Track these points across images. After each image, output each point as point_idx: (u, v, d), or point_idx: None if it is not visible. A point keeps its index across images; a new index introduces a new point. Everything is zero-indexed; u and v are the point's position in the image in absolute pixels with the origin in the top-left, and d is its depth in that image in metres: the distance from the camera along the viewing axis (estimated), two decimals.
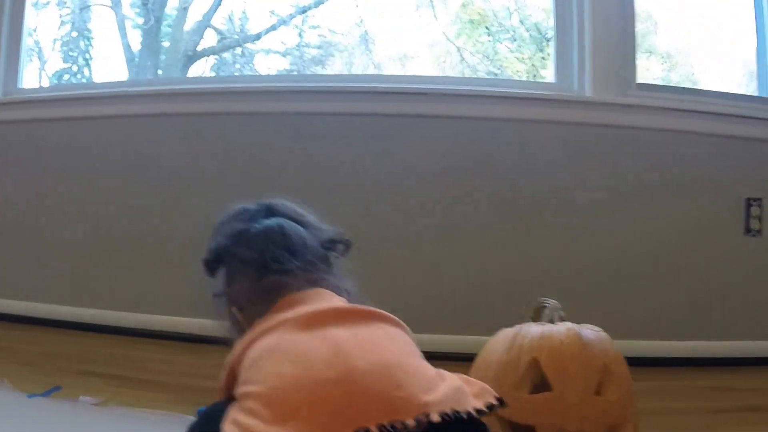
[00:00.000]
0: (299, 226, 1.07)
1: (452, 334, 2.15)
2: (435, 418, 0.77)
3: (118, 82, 3.00)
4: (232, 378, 0.90)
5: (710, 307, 2.36)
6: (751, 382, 2.20)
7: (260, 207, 1.10)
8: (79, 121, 2.39)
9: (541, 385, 1.26)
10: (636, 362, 2.17)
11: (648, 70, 4.41)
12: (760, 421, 1.84)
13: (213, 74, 3.86)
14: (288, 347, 0.85)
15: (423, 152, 2.26)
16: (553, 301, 1.42)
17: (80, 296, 2.41)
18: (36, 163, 2.48)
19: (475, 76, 3.06)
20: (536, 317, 1.42)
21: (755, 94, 2.59)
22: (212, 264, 1.06)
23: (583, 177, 2.27)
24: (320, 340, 0.85)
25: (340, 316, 0.91)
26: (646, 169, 2.31)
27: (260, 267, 1.02)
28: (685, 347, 2.30)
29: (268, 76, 3.39)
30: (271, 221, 1.06)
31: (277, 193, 1.13)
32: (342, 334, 0.86)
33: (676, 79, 4.41)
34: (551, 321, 1.38)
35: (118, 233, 2.41)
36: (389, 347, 0.87)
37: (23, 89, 2.41)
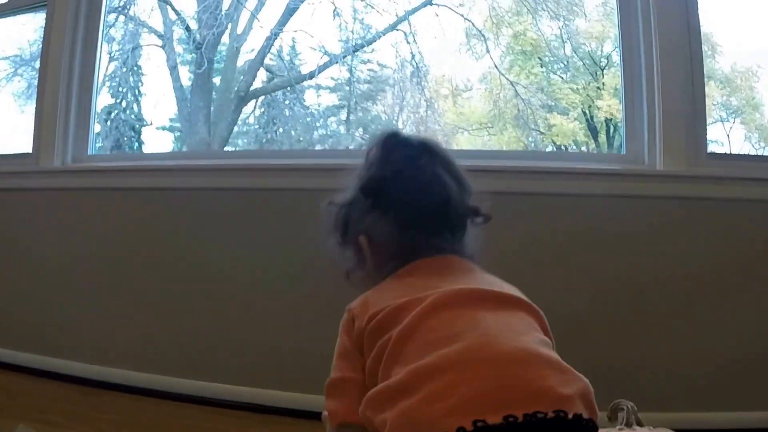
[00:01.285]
0: (454, 182, 1.05)
1: None
2: (570, 416, 0.75)
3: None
4: (359, 342, 0.90)
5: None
6: None
7: (420, 145, 1.08)
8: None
9: None
10: None
11: (707, 97, 4.32)
12: None
13: (262, 110, 3.87)
14: (438, 328, 0.84)
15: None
16: (630, 403, 1.37)
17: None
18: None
19: (538, 150, 2.97)
20: (612, 418, 1.37)
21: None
22: (369, 192, 1.04)
23: (648, 246, 2.21)
24: (468, 323, 0.84)
25: (482, 299, 0.90)
26: (715, 239, 2.24)
27: (410, 216, 1.02)
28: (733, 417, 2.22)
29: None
30: (432, 170, 1.04)
31: None
32: (488, 319, 0.85)
33: (736, 104, 4.32)
34: (628, 424, 1.34)
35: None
36: (529, 335, 0.85)
37: (93, 156, 2.42)
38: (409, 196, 1.02)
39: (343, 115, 4.16)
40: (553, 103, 4.19)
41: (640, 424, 1.34)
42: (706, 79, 2.43)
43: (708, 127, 2.26)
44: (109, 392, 2.29)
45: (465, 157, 2.36)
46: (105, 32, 2.43)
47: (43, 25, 2.17)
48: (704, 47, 4.27)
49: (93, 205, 2.37)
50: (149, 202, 2.33)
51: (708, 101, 4.58)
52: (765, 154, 2.66)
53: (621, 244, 2.17)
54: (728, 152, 2.47)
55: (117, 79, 3.84)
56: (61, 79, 2.25)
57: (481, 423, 0.71)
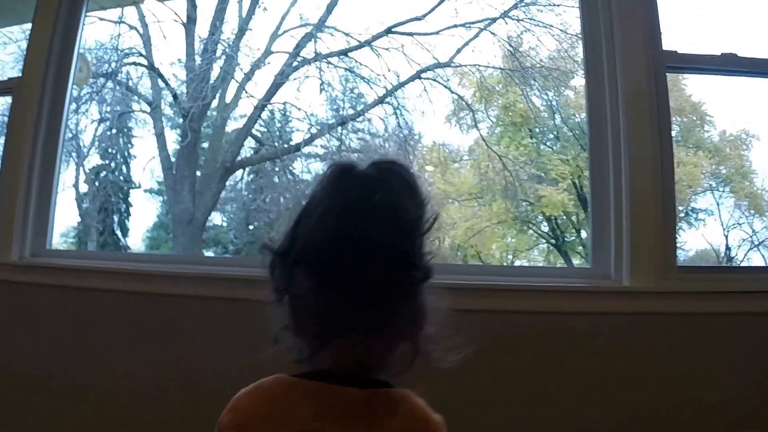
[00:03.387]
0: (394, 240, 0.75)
1: None
2: None
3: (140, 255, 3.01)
4: None
5: None
6: None
7: (368, 180, 0.79)
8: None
9: None
10: None
11: (695, 167, 4.32)
12: None
13: (251, 177, 3.88)
14: None
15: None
16: None
17: None
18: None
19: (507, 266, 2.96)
20: None
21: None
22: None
23: (614, 365, 2.19)
24: None
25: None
26: (684, 355, 2.22)
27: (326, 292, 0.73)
28: None
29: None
30: (366, 229, 0.74)
31: None
32: None
33: (725, 173, 4.32)
34: None
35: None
36: None
37: (51, 251, 2.41)
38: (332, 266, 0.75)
39: None
40: (542, 174, 4.17)
41: None
42: (695, 150, 2.44)
43: (696, 197, 2.26)
44: None
45: None
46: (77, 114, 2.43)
47: (7, 116, 2.20)
48: (693, 117, 4.27)
49: (50, 302, 2.37)
50: (106, 304, 2.32)
51: (697, 170, 4.57)
52: (735, 265, 2.63)
53: (587, 362, 2.15)
54: (698, 265, 2.45)
55: (107, 140, 3.86)
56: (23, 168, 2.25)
57: None
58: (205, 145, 3.73)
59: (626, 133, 2.13)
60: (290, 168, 3.97)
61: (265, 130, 3.91)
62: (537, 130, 4.54)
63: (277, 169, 3.99)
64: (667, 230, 2.14)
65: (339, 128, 3.90)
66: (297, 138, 3.86)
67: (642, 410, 2.18)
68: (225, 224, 4.07)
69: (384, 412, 0.78)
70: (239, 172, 3.88)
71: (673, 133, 3.07)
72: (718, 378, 2.17)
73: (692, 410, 2.17)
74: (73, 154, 3.80)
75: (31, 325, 2.35)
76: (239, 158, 3.72)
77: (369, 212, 0.77)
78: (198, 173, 3.70)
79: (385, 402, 0.79)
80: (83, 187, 3.87)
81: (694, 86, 2.78)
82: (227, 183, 3.82)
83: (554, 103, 4.49)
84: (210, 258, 3.28)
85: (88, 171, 3.87)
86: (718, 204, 4.49)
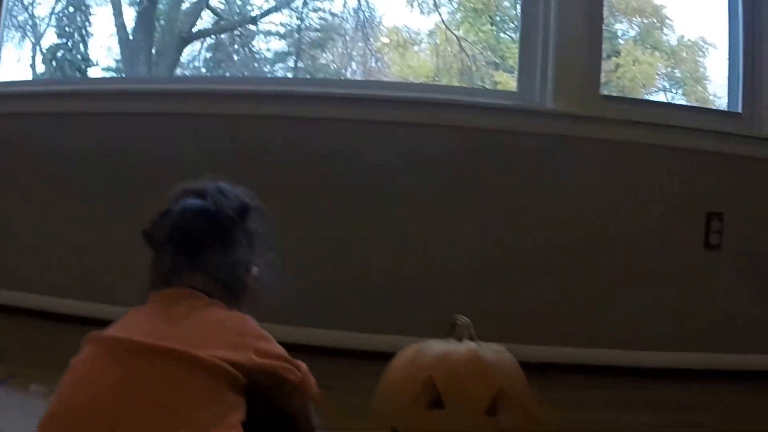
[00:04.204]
0: (200, 206, 1.17)
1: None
2: None
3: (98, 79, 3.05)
4: None
5: (664, 319, 2.38)
6: (699, 397, 2.22)
7: (195, 189, 1.21)
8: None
9: (437, 403, 1.30)
10: (581, 370, 2.24)
11: (651, 66, 4.38)
12: None
13: (209, 55, 3.90)
14: (72, 376, 0.98)
15: (380, 155, 2.31)
16: (465, 319, 1.45)
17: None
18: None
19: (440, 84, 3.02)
20: (450, 333, 1.45)
21: (724, 108, 2.58)
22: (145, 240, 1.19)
23: (540, 186, 2.30)
24: (84, 379, 0.96)
25: (130, 353, 0.97)
26: (605, 180, 2.33)
27: (156, 254, 1.18)
28: (632, 357, 2.33)
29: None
30: (184, 205, 1.17)
31: None
32: (109, 378, 0.94)
33: (680, 76, 4.38)
34: (460, 338, 1.42)
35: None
36: (147, 398, 0.92)
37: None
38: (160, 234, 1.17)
39: (292, 62, 4.18)
40: (499, 61, 4.23)
41: (472, 339, 1.41)
42: (651, 50, 2.52)
43: (652, 96, 2.35)
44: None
45: (356, 87, 2.44)
46: None
47: None
48: (653, 19, 4.33)
49: None
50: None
51: (652, 70, 4.64)
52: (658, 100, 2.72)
53: (508, 179, 2.26)
54: (622, 95, 2.53)
55: (64, 18, 3.83)
56: None
57: None
58: (162, 15, 3.72)
59: None
60: (249, 45, 3.98)
61: (224, 4, 3.89)
62: (498, 18, 4.55)
63: (236, 46, 4.00)
64: (592, 59, 2.23)
65: (300, 6, 3.89)
66: (256, 13, 3.86)
67: (556, 226, 2.30)
68: None
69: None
70: (197, 46, 3.88)
71: (632, 33, 3.14)
72: (634, 205, 2.29)
73: (607, 232, 2.30)
74: (29, 33, 3.77)
75: None
76: (196, 29, 3.72)
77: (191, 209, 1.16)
78: (154, 48, 3.71)
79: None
80: (40, 68, 3.84)
81: None
82: (186, 59, 3.83)
83: None
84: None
85: (45, 51, 3.84)
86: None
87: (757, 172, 2.42)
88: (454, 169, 2.28)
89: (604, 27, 3.35)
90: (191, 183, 1.21)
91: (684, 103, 2.51)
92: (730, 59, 2.50)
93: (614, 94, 2.83)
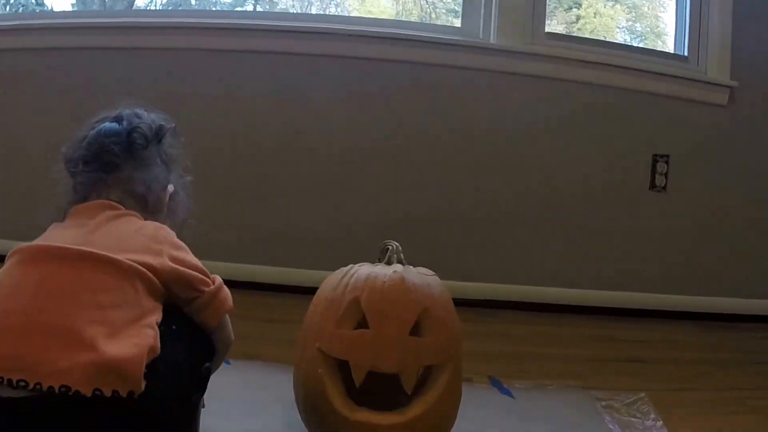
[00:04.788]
0: (117, 127, 1.19)
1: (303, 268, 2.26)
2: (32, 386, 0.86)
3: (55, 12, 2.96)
4: None
5: (606, 258, 2.41)
6: (635, 333, 2.27)
7: (112, 115, 1.23)
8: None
9: (362, 324, 1.30)
10: (527, 307, 2.27)
11: (612, 19, 4.38)
12: (636, 372, 1.91)
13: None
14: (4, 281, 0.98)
15: (317, 86, 2.29)
16: (395, 243, 1.45)
17: None
18: None
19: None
20: (381, 258, 1.45)
21: (670, 50, 2.58)
22: (64, 163, 1.21)
23: (484, 123, 2.30)
24: (14, 282, 0.97)
25: (52, 257, 0.99)
26: (550, 119, 2.33)
27: (73, 174, 1.19)
28: (572, 295, 2.36)
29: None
30: (100, 127, 1.19)
31: None
32: (33, 280, 0.96)
33: (640, 30, 4.37)
34: (389, 262, 1.42)
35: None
36: (70, 300, 0.93)
37: None
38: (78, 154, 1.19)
39: (249, 6, 4.09)
40: (458, 9, 4.18)
41: (401, 263, 1.42)
42: (612, 3, 2.51)
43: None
44: None
45: (293, 20, 2.40)
46: None
47: None
48: None
49: None
50: None
51: (613, 23, 4.64)
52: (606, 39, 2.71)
53: (452, 115, 2.25)
54: (570, 34, 2.52)
55: None
56: None
57: None
58: None
59: None
60: None
61: None
62: None
63: None
64: None
65: None
66: None
67: (497, 166, 2.31)
68: None
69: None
70: None
71: None
72: (579, 145, 2.30)
73: (550, 172, 2.31)
74: None
75: None
76: None
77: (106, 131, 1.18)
78: None
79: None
80: None
81: None
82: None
83: None
84: None
85: None
86: None
87: (703, 114, 2.43)
88: (390, 103, 2.27)
89: None
90: (109, 111, 1.24)
91: (632, 45, 2.50)
92: (677, 3, 2.49)
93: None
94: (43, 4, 3.77)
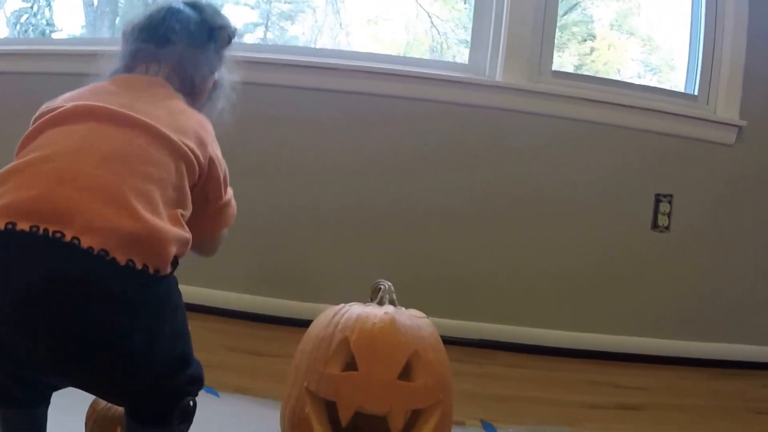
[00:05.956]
0: (188, 10, 1.19)
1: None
2: (68, 239, 0.82)
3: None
4: None
5: (604, 300, 2.38)
6: (635, 378, 2.23)
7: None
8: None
9: (352, 365, 1.29)
10: (524, 349, 2.24)
11: (626, 51, 4.38)
12: (635, 419, 1.88)
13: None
14: (47, 137, 0.95)
15: (327, 124, 2.29)
16: (388, 282, 1.44)
17: None
18: None
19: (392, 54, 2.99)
20: (373, 297, 1.44)
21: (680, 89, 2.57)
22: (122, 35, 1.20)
23: (485, 161, 2.29)
24: (65, 136, 0.94)
25: (103, 117, 0.97)
26: (553, 157, 2.32)
27: (125, 41, 1.18)
28: (570, 338, 2.33)
29: None
30: (168, 5, 1.19)
31: None
32: (85, 137, 0.93)
33: (656, 62, 4.38)
34: (381, 302, 1.41)
35: None
36: (116, 162, 0.91)
37: None
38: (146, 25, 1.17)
39: (260, 33, 4.13)
40: (469, 40, 4.20)
41: (393, 303, 1.41)
42: (627, 36, 2.51)
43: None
44: None
45: (309, 55, 2.41)
46: None
47: None
48: (630, 4, 4.32)
49: None
50: None
51: (626, 55, 4.65)
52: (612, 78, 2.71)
53: (455, 149, 2.25)
54: (575, 72, 2.52)
55: None
56: None
57: (11, 225, 0.82)
58: None
59: None
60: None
61: None
62: None
63: None
64: (545, 35, 2.21)
65: None
66: None
67: (500, 202, 2.29)
68: None
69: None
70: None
71: (610, 18, 3.13)
72: (582, 183, 2.28)
73: (552, 210, 2.29)
74: None
75: None
76: None
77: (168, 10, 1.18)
78: (118, 15, 3.65)
79: None
80: (3, 31, 3.77)
81: None
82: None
83: None
84: None
85: (9, 15, 3.76)
86: None
87: (709, 153, 2.41)
88: (398, 138, 2.27)
89: (580, 11, 3.34)
90: None
91: (639, 84, 2.50)
92: (690, 40, 2.48)
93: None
94: (53, 25, 3.82)
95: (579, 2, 3.34)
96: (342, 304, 1.41)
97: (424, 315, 1.41)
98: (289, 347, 1.40)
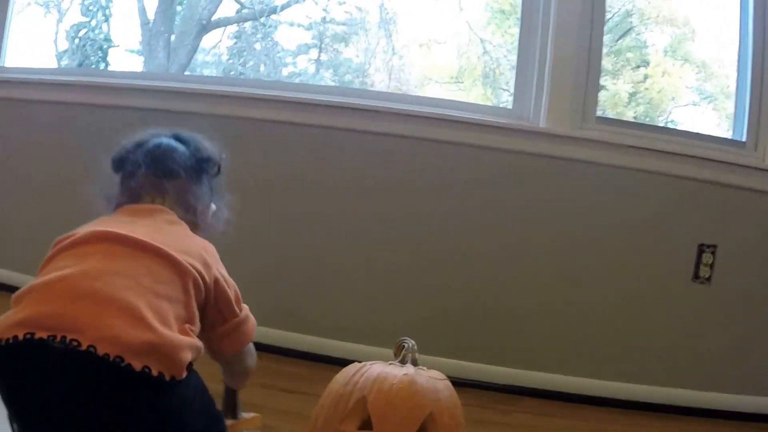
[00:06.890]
0: (180, 145, 1.30)
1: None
2: (85, 348, 0.88)
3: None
4: None
5: (642, 351, 2.33)
6: (669, 431, 2.19)
7: (167, 133, 1.33)
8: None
9: (368, 423, 1.31)
10: (553, 396, 2.22)
11: (680, 78, 4.29)
12: None
13: (231, 43, 3.92)
14: (61, 259, 1.03)
15: (371, 166, 2.31)
16: (412, 341, 1.45)
17: None
18: None
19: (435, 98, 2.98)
20: (396, 354, 1.46)
21: (728, 135, 2.51)
22: (114, 163, 1.29)
23: (528, 206, 2.28)
24: (80, 259, 1.01)
25: (114, 242, 1.05)
26: (595, 204, 2.29)
27: (128, 173, 1.27)
28: (610, 388, 2.29)
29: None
30: (161, 140, 1.29)
31: None
32: (101, 261, 1.00)
33: (710, 90, 4.29)
34: (403, 361, 1.42)
35: None
36: (130, 281, 0.98)
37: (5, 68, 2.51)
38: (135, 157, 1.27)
39: (314, 54, 4.18)
40: None
41: (415, 363, 1.42)
42: (681, 62, 2.47)
43: (677, 109, 2.30)
44: None
45: (340, 95, 2.44)
46: None
47: None
48: (684, 30, 4.26)
49: None
50: None
51: (681, 83, 4.57)
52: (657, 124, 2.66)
53: (495, 197, 2.24)
54: (620, 118, 2.49)
55: None
56: None
57: (29, 335, 0.88)
58: (182, 0, 3.76)
59: None
60: (272, 36, 4.00)
61: None
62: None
63: (259, 35, 4.01)
64: (589, 81, 2.20)
65: None
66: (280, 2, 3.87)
67: (542, 250, 2.27)
68: None
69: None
70: (219, 35, 3.90)
71: (664, 44, 3.10)
72: (622, 231, 2.25)
73: (592, 258, 2.27)
74: (53, 10, 3.82)
75: None
76: (216, 17, 3.74)
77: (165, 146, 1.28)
78: (173, 34, 3.74)
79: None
80: (63, 45, 3.89)
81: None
82: (207, 46, 3.86)
83: None
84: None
85: (68, 29, 3.88)
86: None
87: (756, 203, 2.35)
88: (440, 185, 2.27)
89: (634, 35, 3.29)
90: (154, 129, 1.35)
91: (684, 130, 2.44)
92: (738, 84, 2.43)
93: (641, 105, 2.78)
94: (110, 41, 3.92)
95: (633, 27, 3.29)
96: (364, 363, 1.42)
97: (444, 377, 1.41)
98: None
